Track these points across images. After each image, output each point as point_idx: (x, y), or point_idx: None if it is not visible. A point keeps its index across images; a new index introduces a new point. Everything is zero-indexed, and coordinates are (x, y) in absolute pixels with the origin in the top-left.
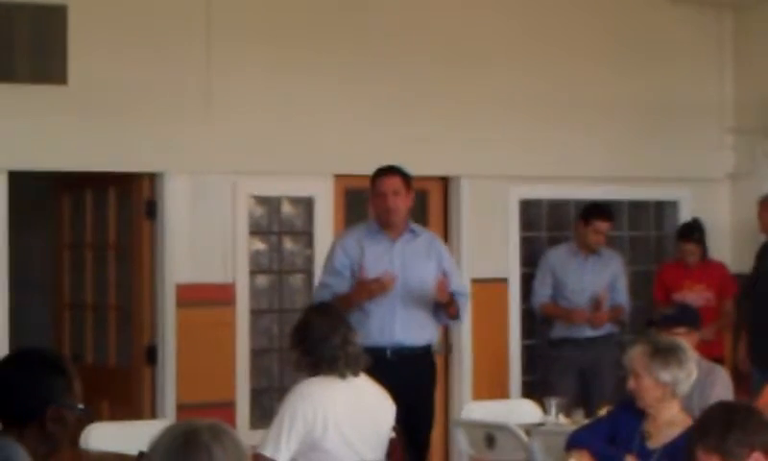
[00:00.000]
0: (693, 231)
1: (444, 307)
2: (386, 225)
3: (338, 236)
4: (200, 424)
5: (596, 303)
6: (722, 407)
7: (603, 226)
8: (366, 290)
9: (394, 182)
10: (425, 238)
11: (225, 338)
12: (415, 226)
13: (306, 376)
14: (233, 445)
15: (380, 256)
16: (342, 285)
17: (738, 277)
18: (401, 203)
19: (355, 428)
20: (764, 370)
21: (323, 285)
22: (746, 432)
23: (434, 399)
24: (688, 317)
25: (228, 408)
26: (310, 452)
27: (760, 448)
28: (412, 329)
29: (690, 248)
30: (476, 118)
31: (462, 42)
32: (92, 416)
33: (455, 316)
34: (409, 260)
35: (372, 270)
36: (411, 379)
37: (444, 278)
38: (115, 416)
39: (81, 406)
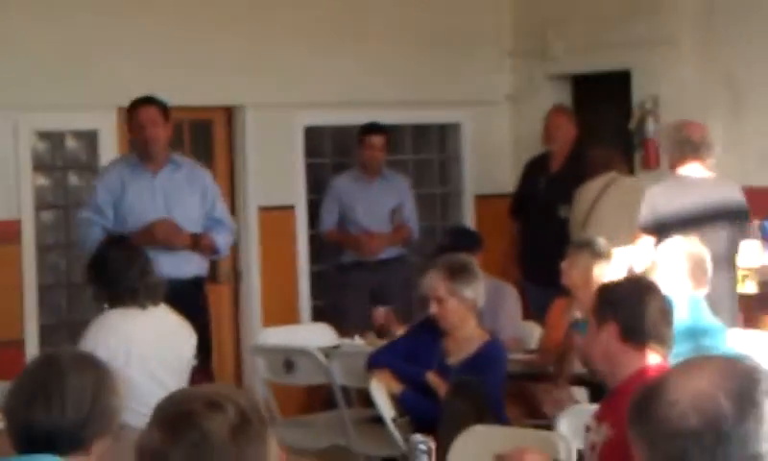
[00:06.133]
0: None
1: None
2: (146, 157)
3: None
4: (64, 351)
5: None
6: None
7: (376, 140)
8: (150, 239)
9: (151, 113)
10: (187, 169)
11: (11, 276)
12: (177, 156)
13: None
14: (94, 373)
15: (141, 192)
16: (106, 222)
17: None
18: (160, 133)
19: (157, 357)
20: (541, 286)
21: (88, 222)
22: None
23: (210, 329)
24: (469, 241)
25: (16, 346)
26: None
27: None
28: (178, 264)
29: None
30: (258, 47)
31: None
32: None
33: (212, 252)
34: (172, 195)
35: (135, 207)
36: (183, 313)
37: (170, 222)
38: None
39: None
